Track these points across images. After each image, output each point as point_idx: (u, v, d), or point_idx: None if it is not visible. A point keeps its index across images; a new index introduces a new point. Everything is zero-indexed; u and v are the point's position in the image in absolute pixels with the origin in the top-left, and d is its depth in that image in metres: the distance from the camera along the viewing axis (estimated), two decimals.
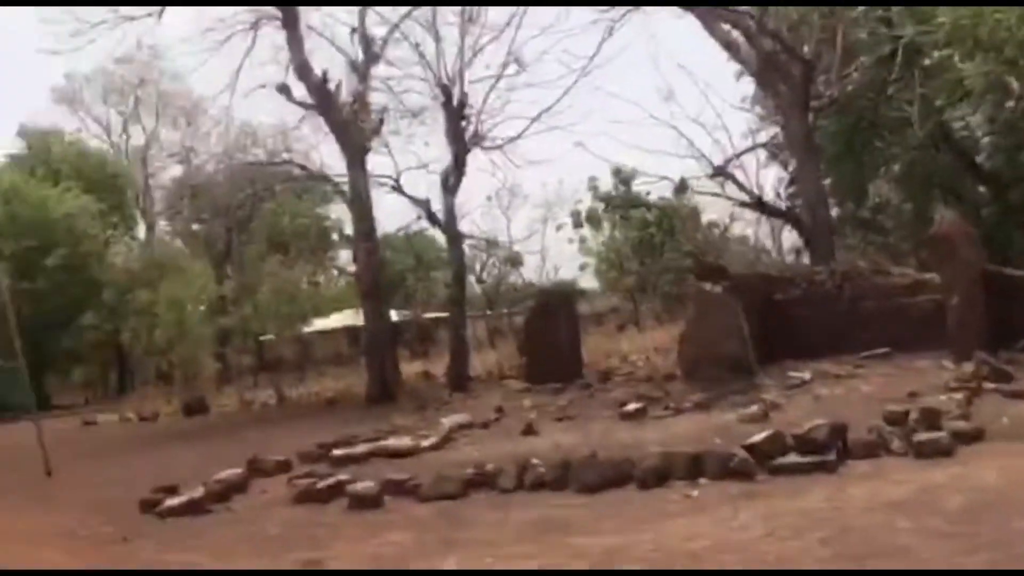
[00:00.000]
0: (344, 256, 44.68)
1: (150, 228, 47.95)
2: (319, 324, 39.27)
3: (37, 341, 29.11)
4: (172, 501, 9.51)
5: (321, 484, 9.15)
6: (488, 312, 39.30)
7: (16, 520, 10.51)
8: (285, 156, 23.15)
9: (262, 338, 37.23)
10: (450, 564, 6.35)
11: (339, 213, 40.09)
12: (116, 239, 44.44)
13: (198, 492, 9.62)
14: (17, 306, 16.79)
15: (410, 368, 25.09)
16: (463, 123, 20.72)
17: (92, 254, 38.30)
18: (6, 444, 20.58)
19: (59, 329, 36.14)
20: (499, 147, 21.40)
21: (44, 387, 32.79)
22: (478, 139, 21.07)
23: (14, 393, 33.12)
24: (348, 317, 41.23)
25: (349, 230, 26.52)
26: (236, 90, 20.96)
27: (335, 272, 46.61)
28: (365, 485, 8.84)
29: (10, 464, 16.14)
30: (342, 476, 9.42)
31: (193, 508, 9.29)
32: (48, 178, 39.93)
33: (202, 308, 34.05)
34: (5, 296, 15.98)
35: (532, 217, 40.40)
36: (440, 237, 32.49)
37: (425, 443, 11.39)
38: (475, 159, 21.59)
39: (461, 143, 20.79)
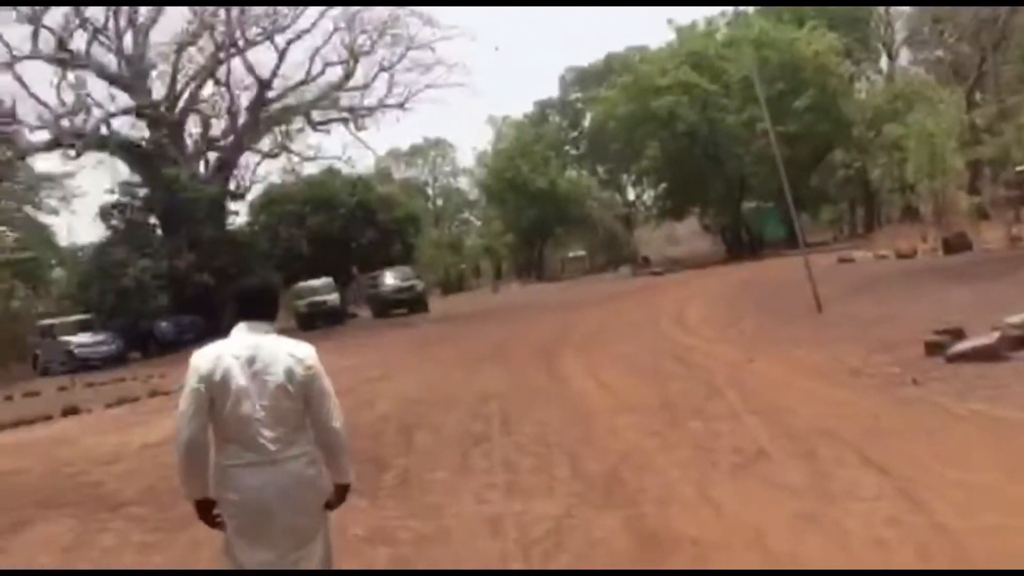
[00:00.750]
0: None
1: (892, 59, 46.18)
2: None
3: (790, 181, 30.68)
4: (960, 345, 8.81)
5: None
6: None
7: (797, 354, 10.98)
8: None
9: (1019, 168, 33.53)
10: None
11: None
12: (859, 74, 43.87)
13: (990, 337, 8.74)
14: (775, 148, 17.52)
15: None
16: None
17: (838, 92, 38.35)
18: (775, 277, 22.20)
19: (808, 169, 37.37)
20: None
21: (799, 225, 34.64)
22: None
23: (773, 228, 35.80)
24: None
25: None
26: None
27: None
28: None
29: (783, 298, 17.23)
30: None
31: (985, 354, 8.47)
32: (794, 21, 40.82)
33: (952, 139, 31.89)
34: (772, 137, 16.75)
35: None
36: None
37: None
38: None
39: None
